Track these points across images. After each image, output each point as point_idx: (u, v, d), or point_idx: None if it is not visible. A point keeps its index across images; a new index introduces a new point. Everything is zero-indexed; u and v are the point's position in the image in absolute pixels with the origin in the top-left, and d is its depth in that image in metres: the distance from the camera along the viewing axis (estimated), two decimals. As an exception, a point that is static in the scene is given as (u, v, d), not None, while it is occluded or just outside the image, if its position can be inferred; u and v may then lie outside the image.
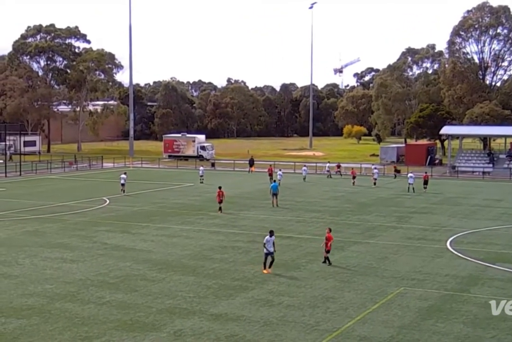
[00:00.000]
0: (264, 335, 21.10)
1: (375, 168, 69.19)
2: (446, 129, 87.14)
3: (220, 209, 46.30)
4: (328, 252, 30.67)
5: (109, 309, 23.69)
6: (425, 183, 60.15)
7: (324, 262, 30.71)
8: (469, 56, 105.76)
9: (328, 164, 75.26)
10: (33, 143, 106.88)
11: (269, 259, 29.04)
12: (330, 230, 31.22)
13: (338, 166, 74.82)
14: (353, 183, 64.16)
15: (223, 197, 46.62)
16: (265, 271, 28.98)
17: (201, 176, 65.99)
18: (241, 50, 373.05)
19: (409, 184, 58.94)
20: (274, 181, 53.67)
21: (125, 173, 58.19)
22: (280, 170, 65.26)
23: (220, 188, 47.21)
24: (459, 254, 33.19)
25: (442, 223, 42.90)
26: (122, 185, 55.86)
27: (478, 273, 29.53)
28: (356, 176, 66.59)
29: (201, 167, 68.98)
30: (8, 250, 33.43)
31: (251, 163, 79.72)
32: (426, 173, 63.83)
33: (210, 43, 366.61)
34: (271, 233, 29.23)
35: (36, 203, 50.81)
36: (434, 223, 42.97)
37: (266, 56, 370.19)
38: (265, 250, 29.11)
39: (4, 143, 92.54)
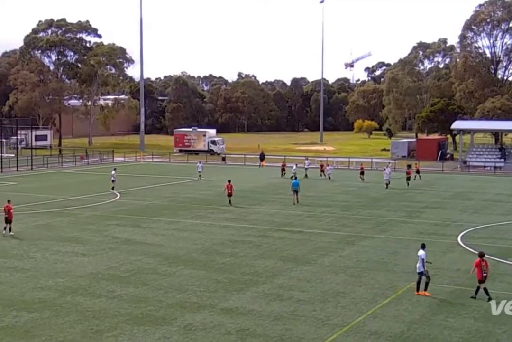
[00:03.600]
0: (275, 329, 21.12)
1: (388, 166, 62.42)
2: (457, 124, 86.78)
3: (229, 202, 46.44)
4: (480, 281, 24.45)
5: (120, 303, 23.76)
6: (408, 179, 59.39)
7: (474, 297, 24.54)
8: (480, 51, 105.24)
9: (307, 162, 70.00)
10: (44, 138, 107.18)
11: (424, 279, 24.96)
12: (481, 255, 24.75)
13: (322, 166, 68.14)
14: (362, 179, 62.92)
15: (231, 190, 46.74)
16: (419, 293, 25.00)
17: (199, 172, 64.39)
18: (252, 44, 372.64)
19: (385, 179, 57.51)
20: (296, 178, 51.48)
21: (114, 169, 56.69)
22: (296, 165, 64.63)
23: (229, 181, 47.26)
24: (470, 249, 33.07)
25: (453, 218, 42.78)
26: (113, 181, 54.48)
27: (489, 268, 29.38)
28: (364, 171, 64.91)
29: (199, 164, 65.93)
30: (20, 243, 33.58)
31: (262, 158, 79.68)
32: (409, 168, 63.87)
33: (221, 38, 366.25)
34: (422, 246, 25.52)
35: (47, 196, 50.98)
36: (445, 217, 42.85)
37: (277, 51, 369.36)
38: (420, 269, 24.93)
39: (15, 137, 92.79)
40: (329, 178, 64.32)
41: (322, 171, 66.37)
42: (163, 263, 29.73)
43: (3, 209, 36.61)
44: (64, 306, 23.34)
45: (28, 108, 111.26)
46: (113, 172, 55.23)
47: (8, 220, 35.88)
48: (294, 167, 62.74)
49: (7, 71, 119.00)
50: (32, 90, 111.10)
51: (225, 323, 21.72)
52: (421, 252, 25.06)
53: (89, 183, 61.95)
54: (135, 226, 39.01)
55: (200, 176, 64.15)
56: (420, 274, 24.94)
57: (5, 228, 35.83)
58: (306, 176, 65.42)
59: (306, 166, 67.92)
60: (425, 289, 24.90)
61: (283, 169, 66.98)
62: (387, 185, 57.43)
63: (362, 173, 63.56)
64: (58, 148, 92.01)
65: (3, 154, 77.70)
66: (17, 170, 72.09)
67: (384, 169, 59.41)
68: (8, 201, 37.08)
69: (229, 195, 46.72)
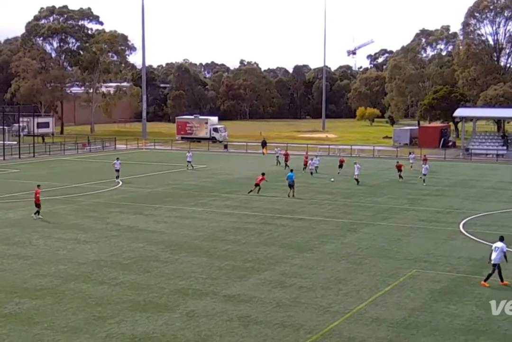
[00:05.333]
0: (277, 316, 21.15)
1: (412, 154, 65.02)
2: (459, 112, 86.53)
3: (255, 191, 45.98)
4: None
5: (122, 290, 23.81)
6: (400, 171, 54.65)
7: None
8: (483, 38, 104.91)
9: (278, 149, 68.05)
10: (46, 125, 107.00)
11: (494, 270, 24.56)
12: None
13: (306, 157, 62.05)
14: (338, 173, 57.06)
15: (260, 181, 46.21)
16: (503, 283, 24.61)
17: (189, 162, 61.59)
18: (254, 31, 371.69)
19: (355, 174, 52.26)
20: (291, 170, 47.51)
21: (117, 159, 54.68)
22: (316, 156, 61.10)
23: (263, 174, 46.97)
24: (472, 237, 33.10)
25: (455, 206, 42.77)
26: (117, 170, 53.29)
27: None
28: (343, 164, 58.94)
29: (188, 154, 62.39)
30: (22, 230, 33.62)
31: (264, 145, 79.56)
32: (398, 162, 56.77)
33: (223, 25, 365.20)
34: (501, 239, 25.18)
35: (49, 184, 50.97)
36: (447, 205, 42.83)
37: (279, 38, 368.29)
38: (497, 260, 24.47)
39: (17, 124, 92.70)
40: (311, 173, 57.36)
41: (305, 165, 59.75)
42: (165, 250, 29.77)
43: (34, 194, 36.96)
44: (67, 293, 23.39)
45: (30, 95, 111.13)
46: (116, 161, 53.83)
47: (36, 204, 36.36)
48: (315, 160, 58.37)
49: (9, 58, 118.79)
50: (34, 77, 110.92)
51: (227, 310, 21.76)
52: (500, 244, 24.61)
53: (91, 170, 61.94)
54: (138, 213, 39.03)
55: (188, 165, 61.59)
56: (495, 265, 24.38)
57: (36, 213, 36.39)
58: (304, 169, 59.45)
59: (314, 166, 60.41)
60: (486, 280, 24.57)
61: (285, 160, 62.72)
62: (357, 180, 52.05)
63: (340, 166, 58.13)
64: (41, 137, 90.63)
65: (5, 142, 77.65)
66: (19, 157, 72.11)
67: (355, 164, 53.09)
68: (38, 186, 37.43)
69: (257, 185, 46.30)
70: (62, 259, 28.04)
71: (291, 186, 45.35)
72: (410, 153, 66.23)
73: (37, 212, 36.56)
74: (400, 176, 54.56)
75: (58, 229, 34.16)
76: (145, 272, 26.23)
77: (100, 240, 31.71)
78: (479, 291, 24.10)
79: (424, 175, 53.49)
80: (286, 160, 62.76)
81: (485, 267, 27.34)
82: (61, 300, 22.65)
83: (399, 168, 55.07)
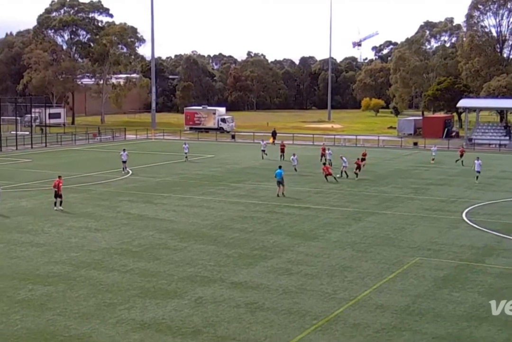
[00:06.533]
0: (283, 303, 21.18)
1: (435, 146, 63.63)
2: (463, 102, 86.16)
3: (328, 179, 46.76)
4: None
5: (132, 277, 23.88)
6: (358, 168, 49.21)
7: None
8: (487, 30, 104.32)
9: (263, 142, 63.85)
10: (58, 116, 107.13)
11: None
12: None
13: (323, 149, 58.30)
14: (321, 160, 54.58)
15: (328, 171, 46.94)
16: None
17: (186, 153, 60.07)
18: (261, 23, 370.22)
19: (343, 166, 49.32)
20: (280, 167, 42.55)
21: (124, 150, 53.36)
22: (328, 149, 57.01)
23: (324, 164, 47.80)
24: (475, 225, 33.03)
25: (459, 195, 42.66)
26: (124, 162, 51.94)
27: (493, 244, 29.40)
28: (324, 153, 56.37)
29: (185, 145, 61.04)
30: (34, 219, 33.72)
31: (274, 135, 79.39)
32: (358, 159, 51.26)
33: (231, 17, 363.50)
34: None
35: (61, 173, 50.89)
36: (450, 194, 42.73)
37: (286, 30, 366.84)
38: None
39: (30, 115, 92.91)
40: (295, 169, 51.89)
41: (322, 156, 57.01)
42: (174, 238, 29.82)
43: (53, 185, 36.79)
44: (78, 280, 23.47)
45: (42, 86, 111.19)
46: (123, 153, 52.42)
47: (57, 194, 36.06)
48: (344, 160, 49.98)
49: (21, 51, 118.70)
50: (45, 69, 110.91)
51: (235, 296, 21.80)
52: None
53: (101, 160, 62.00)
54: (147, 202, 39.08)
55: (186, 157, 60.19)
56: None
57: (55, 204, 36.03)
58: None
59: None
60: None
61: (282, 151, 60.38)
62: (336, 176, 48.12)
63: (322, 155, 56.60)
64: (39, 127, 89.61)
65: (17, 132, 77.79)
66: (32, 147, 72.22)
67: (342, 158, 50.03)
68: (59, 177, 37.31)
69: (329, 174, 46.92)
70: (74, 247, 28.13)
71: (280, 183, 41.20)
72: (434, 146, 63.77)
73: (60, 203, 36.15)
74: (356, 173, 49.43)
75: (70, 217, 34.24)
76: (154, 259, 26.29)
77: (111, 228, 31.79)
78: (481, 278, 24.08)
79: (478, 172, 48.55)
80: (282, 151, 60.38)
81: (487, 255, 27.38)
82: (72, 286, 22.73)
83: (358, 164, 50.12)
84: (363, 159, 53.56)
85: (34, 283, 23.07)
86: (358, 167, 49.45)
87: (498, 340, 18.52)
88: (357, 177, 48.65)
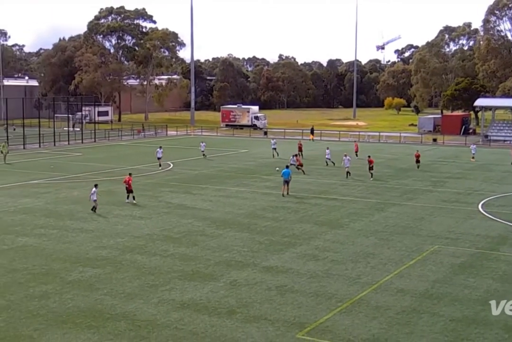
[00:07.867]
0: (311, 286, 21.16)
1: (473, 144, 61.01)
2: (480, 101, 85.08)
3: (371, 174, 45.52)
4: None
5: (172, 261, 24.01)
6: (371, 168, 45.68)
7: None
8: (502, 34, 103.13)
9: (273, 141, 60.40)
10: (106, 113, 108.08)
11: None
12: None
13: (356, 145, 58.06)
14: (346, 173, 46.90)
15: (371, 164, 45.42)
16: None
17: (203, 151, 57.77)
18: (292, 28, 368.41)
19: (346, 167, 46.15)
20: (287, 166, 39.85)
21: (160, 147, 52.02)
22: (327, 149, 53.89)
23: (369, 156, 46.31)
24: (490, 216, 32.63)
25: (475, 187, 42.15)
26: (159, 158, 50.84)
27: (507, 233, 29.03)
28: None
29: (202, 144, 58.38)
30: (84, 207, 34.03)
31: (312, 132, 78.83)
32: (369, 156, 46.81)
33: (264, 22, 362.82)
34: None
35: (109, 166, 51.51)
36: (467, 187, 42.24)
37: (315, 34, 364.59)
38: None
39: (80, 113, 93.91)
40: (303, 172, 47.50)
41: (356, 151, 55.39)
42: (211, 226, 29.91)
43: (123, 181, 36.56)
44: (124, 263, 23.68)
45: (91, 87, 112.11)
46: (159, 150, 51.36)
47: (128, 190, 35.75)
48: (348, 159, 46.74)
49: (73, 54, 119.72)
50: (94, 71, 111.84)
51: (266, 280, 21.82)
52: None
53: (145, 154, 62.24)
54: (186, 192, 39.24)
55: (204, 154, 57.72)
56: None
57: (127, 197, 35.72)
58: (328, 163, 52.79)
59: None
60: None
61: (300, 149, 56.84)
62: (348, 173, 46.16)
63: (301, 147, 54.71)
64: (73, 123, 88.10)
65: (69, 128, 78.64)
66: (82, 142, 72.92)
67: (345, 156, 47.01)
68: (130, 174, 37.38)
69: (371, 168, 45.46)
70: (120, 233, 28.37)
71: (286, 182, 38.39)
72: (472, 144, 61.34)
73: (133, 197, 35.62)
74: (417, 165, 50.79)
75: (116, 206, 34.52)
76: (193, 245, 26.41)
77: (153, 216, 31.99)
78: (495, 265, 23.79)
79: None
80: (300, 150, 56.84)
81: (501, 244, 27.05)
82: (118, 269, 22.94)
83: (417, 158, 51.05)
84: (417, 161, 51.28)
85: (84, 265, 23.34)
86: (371, 166, 45.52)
87: (510, 322, 18.29)
88: (371, 176, 45.26)
